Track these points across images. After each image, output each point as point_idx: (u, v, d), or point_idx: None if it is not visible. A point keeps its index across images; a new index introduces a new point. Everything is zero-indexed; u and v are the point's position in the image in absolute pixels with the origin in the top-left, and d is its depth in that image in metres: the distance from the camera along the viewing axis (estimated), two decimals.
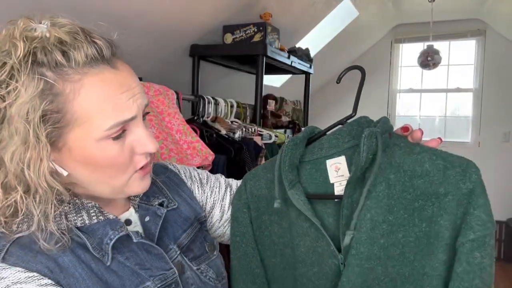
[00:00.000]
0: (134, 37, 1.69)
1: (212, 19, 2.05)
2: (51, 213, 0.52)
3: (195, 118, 1.76)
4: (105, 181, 0.56)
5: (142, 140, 0.56)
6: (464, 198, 0.55)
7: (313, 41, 3.21)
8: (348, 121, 0.67)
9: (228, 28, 2.07)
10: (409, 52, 4.31)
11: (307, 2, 2.56)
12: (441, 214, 0.56)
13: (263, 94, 2.11)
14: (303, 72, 2.68)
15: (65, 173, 0.54)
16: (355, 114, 0.69)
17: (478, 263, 0.54)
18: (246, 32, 2.02)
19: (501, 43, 3.93)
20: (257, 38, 2.00)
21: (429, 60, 3.43)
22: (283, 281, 0.71)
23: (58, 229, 0.53)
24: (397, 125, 0.65)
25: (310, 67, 2.70)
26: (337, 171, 0.65)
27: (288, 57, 2.29)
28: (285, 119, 2.63)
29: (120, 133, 0.54)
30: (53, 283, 0.51)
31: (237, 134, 1.80)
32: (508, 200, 3.99)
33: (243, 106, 2.19)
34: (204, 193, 0.77)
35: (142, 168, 0.59)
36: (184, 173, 0.78)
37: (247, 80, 2.77)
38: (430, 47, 3.46)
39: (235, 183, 0.82)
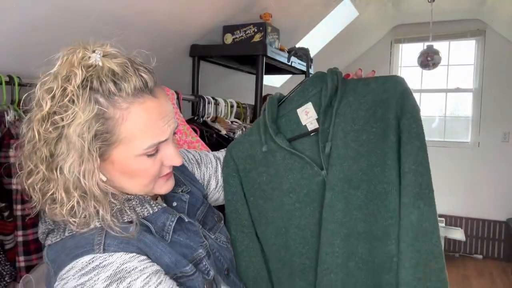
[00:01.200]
0: (134, 37, 1.69)
1: (212, 19, 2.05)
2: (108, 212, 0.63)
3: (195, 118, 1.76)
4: (136, 186, 0.69)
5: (170, 157, 0.69)
6: (399, 96, 0.81)
7: (313, 41, 3.21)
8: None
9: (228, 28, 2.07)
10: (409, 52, 4.31)
11: (307, 2, 2.57)
12: (387, 111, 0.80)
13: (263, 94, 2.11)
14: (303, 72, 2.68)
15: (104, 179, 0.65)
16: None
17: (415, 131, 0.84)
18: (246, 32, 2.02)
19: (501, 43, 3.94)
20: (257, 38, 2.00)
21: (429, 60, 3.44)
22: (272, 223, 0.89)
23: (128, 220, 0.66)
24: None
25: (310, 67, 2.69)
26: (307, 115, 0.85)
27: (288, 57, 2.29)
28: None
29: (154, 152, 0.67)
30: (147, 258, 0.64)
31: (237, 134, 1.80)
32: (508, 200, 3.99)
33: (243, 106, 2.19)
34: (201, 171, 0.93)
35: (165, 174, 0.72)
36: (185, 159, 0.92)
37: (247, 80, 2.77)
38: (430, 47, 3.46)
39: (221, 154, 0.99)
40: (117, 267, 0.59)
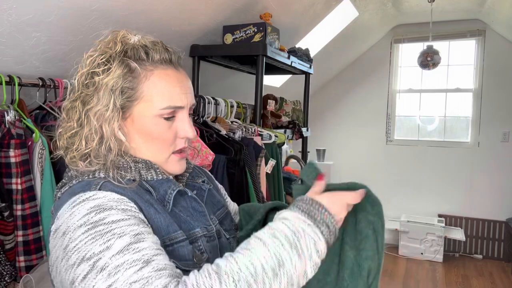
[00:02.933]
0: None
1: (212, 19, 2.05)
2: (114, 160, 0.71)
3: (195, 118, 1.76)
4: (151, 151, 0.74)
5: (184, 127, 0.75)
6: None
7: (313, 41, 3.21)
8: None
9: (228, 28, 2.07)
10: (409, 52, 4.31)
11: (307, 2, 2.57)
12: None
13: (263, 94, 2.11)
14: (303, 72, 2.68)
15: (123, 138, 0.72)
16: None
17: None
18: (246, 32, 2.02)
19: (501, 43, 3.94)
20: (257, 38, 2.00)
21: (428, 60, 3.44)
22: None
23: (132, 177, 0.71)
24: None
25: (310, 67, 2.70)
26: None
27: (288, 57, 2.29)
28: (285, 119, 2.63)
29: (170, 116, 0.73)
30: (136, 207, 0.65)
31: (237, 134, 1.80)
32: (508, 200, 3.99)
33: (243, 106, 2.19)
34: (226, 198, 0.97)
35: (179, 152, 0.77)
36: (211, 175, 0.99)
37: (247, 80, 2.77)
38: (429, 47, 3.46)
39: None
40: (103, 201, 0.62)
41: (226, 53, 2.13)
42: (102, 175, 0.70)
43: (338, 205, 0.68)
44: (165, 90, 0.72)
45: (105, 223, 0.59)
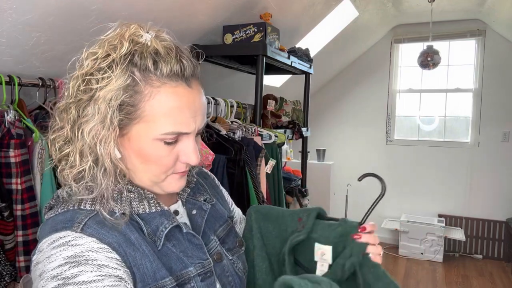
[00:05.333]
0: None
1: (212, 19, 2.05)
2: (110, 187, 0.63)
3: None
4: (147, 174, 0.66)
5: (188, 153, 0.66)
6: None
7: (313, 41, 3.21)
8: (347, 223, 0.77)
9: (228, 28, 2.07)
10: (409, 52, 4.31)
11: (307, 2, 2.57)
12: None
13: (263, 94, 2.11)
14: (303, 72, 2.68)
15: (118, 155, 0.64)
16: (362, 223, 0.77)
17: None
18: (246, 32, 2.02)
19: (501, 43, 3.94)
20: (257, 38, 2.00)
21: (428, 60, 3.44)
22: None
23: (121, 211, 0.64)
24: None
25: (310, 67, 2.70)
26: (322, 255, 0.78)
27: (288, 57, 2.29)
28: (285, 119, 2.63)
29: (173, 141, 0.64)
30: (119, 258, 0.59)
31: (237, 134, 1.80)
32: (508, 200, 3.99)
33: (243, 106, 2.19)
34: (232, 206, 0.91)
35: (179, 172, 0.69)
36: (216, 180, 0.91)
37: (247, 80, 2.77)
38: (429, 47, 3.46)
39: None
40: (81, 251, 0.57)
41: (226, 53, 2.13)
42: (88, 206, 0.63)
43: None
44: (170, 113, 0.62)
45: (75, 282, 0.53)
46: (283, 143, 2.39)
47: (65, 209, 0.63)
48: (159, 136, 0.63)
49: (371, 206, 0.78)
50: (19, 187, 1.14)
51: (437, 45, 3.64)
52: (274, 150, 2.04)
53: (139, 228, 0.65)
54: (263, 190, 1.79)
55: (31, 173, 1.18)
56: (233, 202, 0.94)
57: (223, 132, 1.77)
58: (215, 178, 0.91)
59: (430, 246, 3.95)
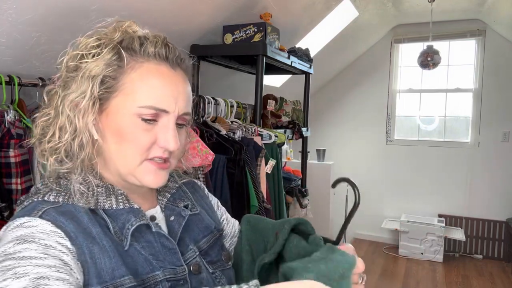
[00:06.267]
0: None
1: (212, 19, 2.05)
2: (86, 162, 0.63)
3: (195, 118, 1.76)
4: (121, 156, 0.64)
5: (166, 136, 0.63)
6: None
7: (313, 41, 3.21)
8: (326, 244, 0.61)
9: (228, 28, 2.07)
10: (409, 52, 4.31)
11: (307, 2, 2.57)
12: None
13: (263, 94, 2.10)
14: (303, 72, 2.68)
15: (96, 136, 0.63)
16: (337, 243, 0.62)
17: None
18: (246, 32, 2.02)
19: (501, 43, 3.94)
20: (257, 38, 2.00)
21: (428, 60, 3.44)
22: None
23: (86, 205, 0.61)
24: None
25: (310, 67, 2.70)
26: None
27: (288, 57, 2.29)
28: (285, 119, 2.63)
29: (151, 119, 0.62)
30: (71, 248, 0.56)
31: (237, 134, 1.80)
32: (508, 200, 3.99)
33: (243, 106, 2.19)
34: (222, 218, 0.85)
35: (155, 161, 0.65)
36: (207, 193, 0.86)
37: (247, 80, 2.77)
38: (429, 47, 3.46)
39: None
40: (31, 232, 0.54)
41: (226, 53, 2.13)
42: (52, 198, 0.61)
43: None
44: (151, 87, 0.62)
45: (15, 257, 0.50)
46: (283, 143, 2.39)
47: (30, 201, 0.61)
48: (137, 110, 0.61)
49: (345, 221, 0.65)
50: (19, 187, 1.14)
51: (437, 45, 3.64)
52: (274, 150, 2.04)
53: (104, 226, 0.61)
54: (263, 190, 1.79)
55: (31, 173, 1.18)
56: (227, 216, 0.87)
57: (223, 132, 1.77)
58: (205, 189, 0.87)
59: (430, 246, 3.95)
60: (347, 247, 0.61)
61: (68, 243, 0.55)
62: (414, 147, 4.32)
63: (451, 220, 4.20)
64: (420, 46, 4.02)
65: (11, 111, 1.18)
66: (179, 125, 0.66)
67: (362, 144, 4.53)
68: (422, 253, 3.98)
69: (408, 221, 4.06)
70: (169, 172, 0.68)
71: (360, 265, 0.58)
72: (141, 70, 0.62)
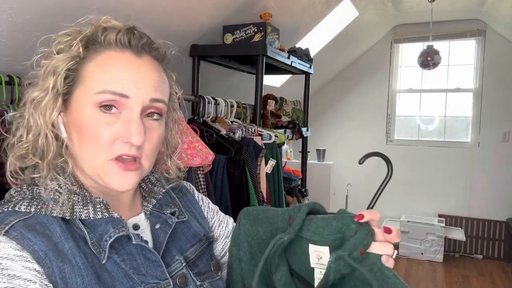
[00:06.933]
0: None
1: (212, 19, 2.05)
2: (51, 160, 0.59)
3: (195, 118, 1.76)
4: (85, 154, 0.59)
5: (128, 128, 0.57)
6: None
7: (313, 41, 3.21)
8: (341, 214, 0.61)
9: (228, 28, 2.07)
10: (409, 52, 4.31)
11: (307, 2, 2.57)
12: None
13: (263, 94, 2.11)
14: (303, 72, 2.68)
15: (64, 134, 0.60)
16: (372, 207, 0.64)
17: None
18: (246, 32, 2.02)
19: (501, 43, 3.94)
20: (257, 38, 2.00)
21: (429, 60, 3.44)
22: None
23: (60, 215, 0.56)
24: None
25: (310, 67, 2.70)
26: (319, 259, 0.63)
27: (288, 57, 2.29)
28: (285, 119, 2.63)
29: (109, 104, 0.57)
30: (39, 270, 0.51)
31: (237, 134, 1.80)
32: (508, 200, 3.99)
33: (243, 106, 2.19)
34: (212, 220, 0.80)
35: (122, 161, 0.59)
36: (197, 195, 0.81)
37: (247, 80, 2.77)
38: (430, 47, 3.46)
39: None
40: None
41: (226, 53, 2.13)
42: (23, 208, 0.56)
43: None
44: (107, 72, 0.57)
45: None
46: (283, 143, 2.39)
47: (0, 211, 0.57)
48: (93, 98, 0.56)
49: (378, 191, 0.66)
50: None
51: (437, 45, 3.64)
52: (274, 150, 2.04)
53: (81, 238, 0.56)
54: (263, 190, 1.79)
55: None
56: (219, 217, 0.82)
57: (223, 132, 1.77)
58: (195, 191, 0.81)
59: (430, 246, 3.95)
60: (371, 212, 0.59)
61: (36, 266, 0.51)
62: (414, 147, 4.32)
63: (451, 220, 4.20)
64: (420, 46, 4.02)
65: (11, 111, 1.18)
66: (150, 116, 0.60)
67: (362, 144, 4.53)
68: (422, 253, 3.98)
69: (408, 221, 4.06)
70: (141, 175, 0.62)
71: (378, 248, 0.57)
72: (100, 57, 0.58)
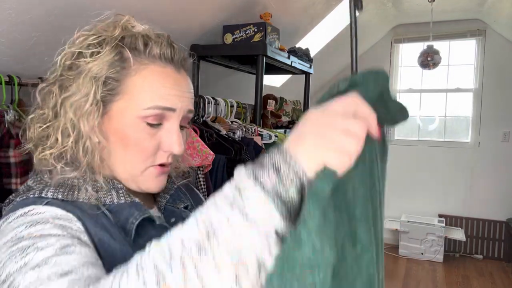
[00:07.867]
0: None
1: (212, 19, 2.05)
2: (95, 166, 0.60)
3: (195, 118, 1.76)
4: (125, 160, 0.61)
5: (170, 139, 0.61)
6: None
7: (313, 41, 3.21)
8: None
9: (228, 28, 2.07)
10: (409, 52, 4.31)
11: (307, 2, 2.56)
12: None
13: (263, 94, 2.11)
14: (303, 72, 2.68)
15: (100, 139, 0.60)
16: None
17: None
18: (246, 32, 2.02)
19: (501, 43, 3.94)
20: (257, 38, 2.00)
21: (429, 60, 3.44)
22: None
23: (86, 200, 0.58)
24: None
25: (310, 67, 2.70)
26: None
27: (288, 57, 2.29)
28: (285, 119, 2.63)
29: (156, 123, 0.60)
30: (83, 229, 0.54)
31: (237, 134, 1.80)
32: (508, 200, 3.99)
33: (243, 106, 2.19)
34: None
35: (160, 165, 0.63)
36: (201, 195, 0.84)
37: (247, 80, 2.77)
38: (430, 47, 3.46)
39: None
40: (41, 217, 0.52)
41: (226, 53, 2.13)
42: (50, 195, 0.57)
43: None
44: (155, 88, 0.59)
45: (31, 237, 0.48)
46: None
47: (25, 197, 0.58)
48: (141, 113, 0.59)
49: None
50: (19, 187, 1.14)
51: (437, 45, 3.64)
52: None
53: (107, 218, 0.59)
54: None
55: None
56: None
57: (223, 132, 1.77)
58: (199, 194, 0.85)
59: (430, 246, 3.95)
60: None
61: (81, 225, 0.54)
62: (414, 147, 4.32)
63: (451, 220, 4.20)
64: (420, 46, 4.02)
65: (11, 111, 1.18)
66: (181, 127, 0.65)
67: None
68: (422, 253, 3.98)
69: (408, 221, 4.06)
70: (167, 175, 0.67)
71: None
72: (146, 73, 0.60)
